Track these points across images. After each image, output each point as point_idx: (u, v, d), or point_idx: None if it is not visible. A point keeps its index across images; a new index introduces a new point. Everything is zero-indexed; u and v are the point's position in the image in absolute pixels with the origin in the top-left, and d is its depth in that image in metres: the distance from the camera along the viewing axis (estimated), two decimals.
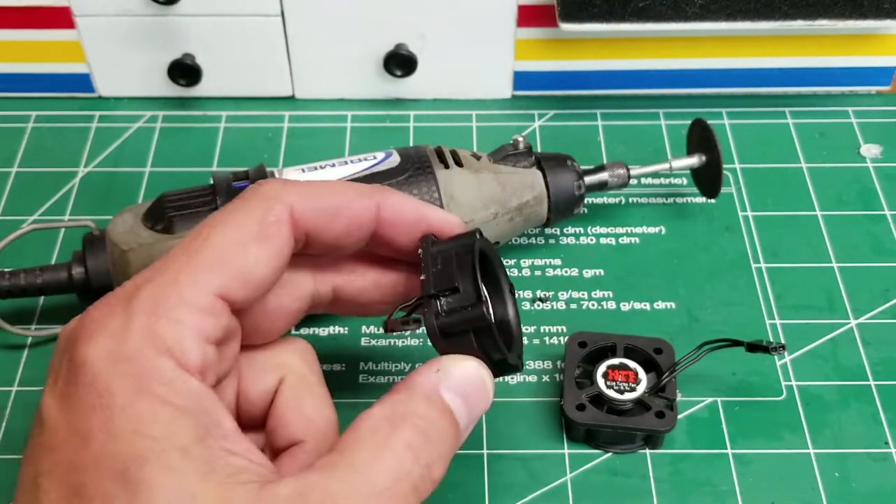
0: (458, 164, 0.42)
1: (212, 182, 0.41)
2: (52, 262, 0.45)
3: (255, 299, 0.29)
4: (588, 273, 0.45)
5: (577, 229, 0.47)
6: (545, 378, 0.41)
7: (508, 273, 0.35)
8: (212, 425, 0.27)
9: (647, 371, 0.39)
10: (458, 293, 0.30)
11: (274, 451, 0.32)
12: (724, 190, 0.48)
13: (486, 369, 0.30)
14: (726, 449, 0.39)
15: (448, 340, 0.30)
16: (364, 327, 0.43)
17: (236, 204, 0.30)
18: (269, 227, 0.29)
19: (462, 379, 0.29)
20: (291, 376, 0.32)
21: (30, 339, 0.42)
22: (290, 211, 0.30)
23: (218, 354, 0.29)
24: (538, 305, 0.44)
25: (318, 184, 0.31)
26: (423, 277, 0.31)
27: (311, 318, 0.41)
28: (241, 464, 0.26)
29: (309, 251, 0.32)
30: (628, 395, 0.38)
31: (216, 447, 0.26)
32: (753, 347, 0.39)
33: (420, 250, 0.32)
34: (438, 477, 0.28)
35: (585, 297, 0.44)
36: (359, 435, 0.27)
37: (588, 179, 0.45)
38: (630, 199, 0.48)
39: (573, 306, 0.44)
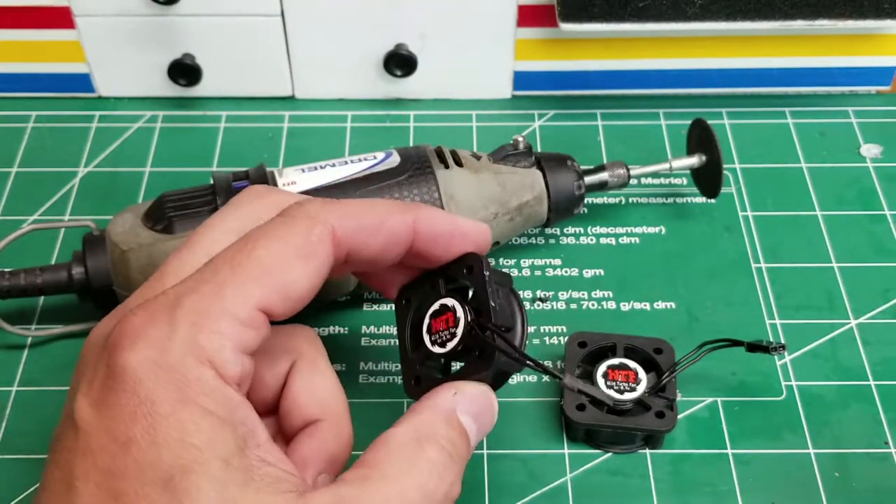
0: (459, 164, 0.42)
1: (212, 182, 0.41)
2: (52, 262, 0.45)
3: (291, 314, 0.30)
4: (588, 273, 0.45)
5: (577, 229, 0.47)
6: (545, 378, 0.41)
7: (510, 272, 0.35)
8: (248, 435, 0.27)
9: (647, 371, 0.39)
10: (507, 333, 0.31)
11: (287, 434, 0.33)
12: (724, 190, 0.48)
13: (493, 394, 0.32)
14: (726, 449, 0.39)
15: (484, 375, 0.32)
16: (364, 327, 0.43)
17: (280, 220, 0.30)
18: (312, 245, 0.30)
19: (475, 402, 0.31)
20: (302, 360, 0.33)
21: (30, 339, 0.42)
22: (332, 231, 0.30)
23: (253, 364, 0.29)
24: (538, 305, 0.44)
25: (356, 203, 0.32)
26: (493, 304, 0.31)
27: (311, 318, 0.41)
28: (278, 473, 0.27)
29: (347, 268, 0.32)
30: (628, 395, 0.38)
31: (253, 457, 0.27)
32: (753, 347, 0.39)
33: (473, 269, 0.32)
34: (457, 495, 0.29)
35: (585, 297, 0.44)
36: (389, 452, 0.29)
37: (588, 179, 0.45)
38: (630, 199, 0.48)
39: (573, 306, 0.44)
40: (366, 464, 0.29)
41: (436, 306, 0.33)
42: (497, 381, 0.32)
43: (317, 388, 0.32)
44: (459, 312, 0.32)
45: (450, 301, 0.33)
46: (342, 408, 0.33)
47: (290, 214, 0.30)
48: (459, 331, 0.32)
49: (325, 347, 0.34)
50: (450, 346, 0.32)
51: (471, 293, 0.33)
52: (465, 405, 0.31)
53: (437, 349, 0.32)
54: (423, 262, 0.34)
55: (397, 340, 0.34)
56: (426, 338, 0.33)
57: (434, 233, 0.32)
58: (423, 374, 0.32)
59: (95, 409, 0.27)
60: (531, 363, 0.31)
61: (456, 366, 0.33)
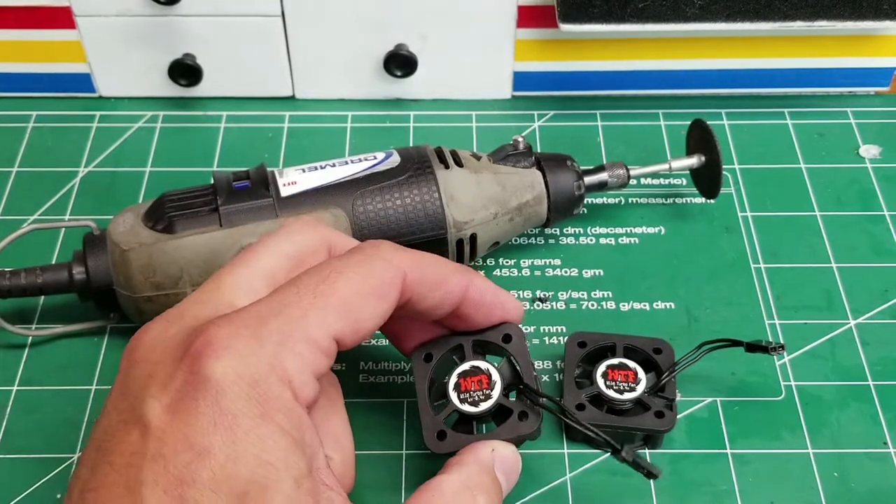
0: (459, 164, 0.42)
1: (212, 182, 0.41)
2: (53, 261, 0.45)
3: (354, 347, 0.31)
4: (588, 273, 0.45)
5: (577, 229, 0.47)
6: (545, 378, 0.41)
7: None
8: (314, 457, 0.28)
9: (646, 371, 0.39)
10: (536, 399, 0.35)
11: None
12: (723, 190, 0.48)
13: (519, 455, 0.34)
14: (725, 449, 0.39)
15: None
16: None
17: (359, 257, 0.31)
18: (386, 287, 0.31)
19: (507, 461, 0.34)
20: (324, 398, 0.33)
21: (30, 339, 0.43)
22: (403, 277, 0.32)
23: (319, 390, 0.30)
24: (538, 305, 0.44)
25: (423, 255, 0.33)
26: (535, 374, 0.35)
27: None
28: (338, 499, 0.28)
29: (400, 313, 0.33)
30: (628, 395, 0.38)
31: (318, 480, 0.28)
32: (753, 347, 0.39)
33: (513, 339, 0.35)
34: None
35: (585, 297, 0.44)
36: (444, 497, 0.31)
37: (588, 180, 0.45)
38: (630, 200, 0.48)
39: (573, 306, 0.44)
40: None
41: (465, 367, 0.35)
42: (520, 441, 0.35)
43: (334, 425, 0.33)
44: (495, 376, 0.35)
45: (483, 364, 0.35)
46: (351, 451, 0.34)
47: (367, 253, 0.32)
48: (495, 393, 0.35)
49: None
50: (483, 406, 0.35)
51: (502, 358, 0.36)
52: (499, 463, 0.33)
53: (467, 407, 0.35)
54: (458, 324, 0.35)
55: (417, 392, 0.36)
56: (453, 395, 0.35)
57: (481, 300, 0.34)
58: (447, 430, 0.34)
59: (170, 414, 0.27)
60: (593, 432, 0.34)
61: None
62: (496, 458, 0.33)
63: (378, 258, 0.31)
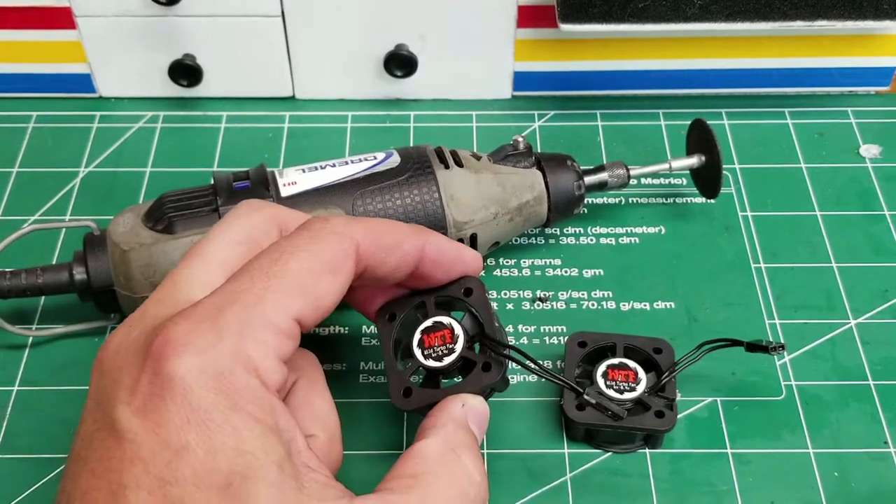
0: (459, 164, 0.42)
1: (212, 182, 0.41)
2: (53, 262, 0.46)
3: (316, 325, 0.31)
4: (588, 273, 0.45)
5: (577, 229, 0.47)
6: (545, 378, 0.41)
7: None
8: (291, 441, 0.28)
9: (646, 371, 0.39)
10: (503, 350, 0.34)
11: None
12: (723, 190, 0.48)
13: (487, 405, 0.34)
14: (726, 448, 0.39)
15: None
16: (364, 327, 0.43)
17: (307, 235, 0.31)
18: (340, 261, 0.31)
19: (478, 413, 0.33)
20: (303, 379, 0.34)
21: (30, 339, 0.43)
22: (356, 248, 0.32)
23: (287, 373, 0.30)
24: (538, 305, 0.44)
25: (376, 222, 0.33)
26: (497, 325, 0.35)
27: None
28: (323, 479, 0.28)
29: (358, 282, 0.33)
30: (628, 395, 0.38)
31: (299, 463, 0.28)
32: (753, 347, 0.39)
33: (474, 292, 0.35)
34: (487, 492, 0.32)
35: (585, 297, 0.44)
36: (428, 462, 0.31)
37: (588, 179, 0.45)
38: (630, 200, 0.48)
39: (573, 306, 0.44)
40: (405, 474, 0.30)
41: (428, 323, 0.35)
42: (488, 395, 0.35)
43: (316, 405, 0.33)
44: (458, 330, 0.35)
45: (445, 319, 0.35)
46: (336, 429, 0.34)
47: (316, 228, 0.31)
48: (458, 346, 0.34)
49: (324, 357, 0.36)
50: (447, 360, 0.34)
51: (464, 313, 0.35)
52: (471, 416, 0.33)
53: (431, 363, 0.34)
54: (419, 283, 0.35)
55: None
56: (417, 352, 0.35)
57: (440, 258, 0.34)
58: (412, 387, 0.34)
59: (141, 417, 0.27)
60: (551, 376, 0.34)
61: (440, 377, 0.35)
62: (467, 411, 0.33)
63: (328, 232, 0.31)
